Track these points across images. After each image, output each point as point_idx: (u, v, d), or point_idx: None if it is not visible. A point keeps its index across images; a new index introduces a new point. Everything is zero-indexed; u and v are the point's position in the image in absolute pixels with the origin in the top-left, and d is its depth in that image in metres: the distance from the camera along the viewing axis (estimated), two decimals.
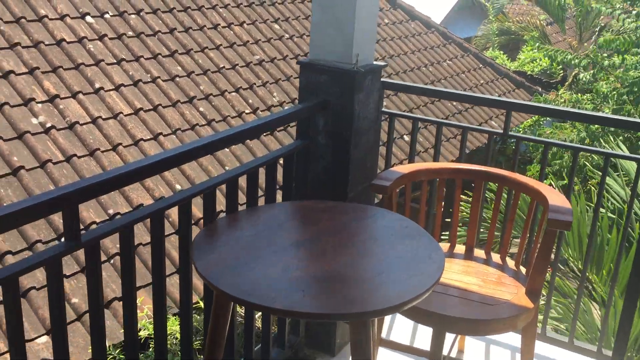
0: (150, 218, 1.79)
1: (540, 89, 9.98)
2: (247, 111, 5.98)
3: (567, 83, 11.17)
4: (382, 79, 2.63)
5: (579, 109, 8.64)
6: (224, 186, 2.05)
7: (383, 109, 2.73)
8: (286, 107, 6.37)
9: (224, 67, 6.27)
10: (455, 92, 2.78)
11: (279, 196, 2.43)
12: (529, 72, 11.62)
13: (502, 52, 13.35)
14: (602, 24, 14.25)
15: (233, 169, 2.07)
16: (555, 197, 2.24)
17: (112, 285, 4.00)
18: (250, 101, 6.11)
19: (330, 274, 1.63)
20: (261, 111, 6.09)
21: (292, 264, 1.69)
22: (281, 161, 2.36)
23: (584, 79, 8.32)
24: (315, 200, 2.40)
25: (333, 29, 2.35)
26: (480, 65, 9.72)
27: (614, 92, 7.76)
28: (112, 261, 4.14)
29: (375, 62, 2.50)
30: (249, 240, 1.82)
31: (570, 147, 2.51)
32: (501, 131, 2.61)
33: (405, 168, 2.46)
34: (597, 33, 14.28)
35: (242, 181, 2.22)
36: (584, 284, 2.72)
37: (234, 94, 6.10)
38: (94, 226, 4.21)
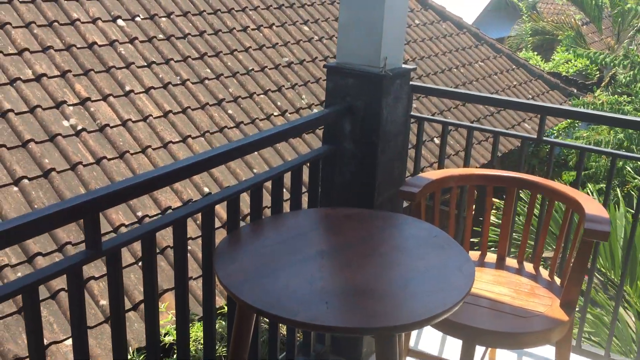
0: (172, 225, 1.77)
1: (575, 91, 9.75)
2: (275, 113, 5.97)
3: (603, 84, 10.89)
4: (411, 82, 2.57)
5: (619, 110, 8.41)
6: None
7: (412, 113, 2.67)
8: (315, 110, 6.33)
9: (252, 69, 6.27)
10: (487, 96, 2.70)
11: (305, 200, 2.38)
12: (563, 74, 11.37)
13: (535, 52, 13.09)
14: None
15: (258, 174, 2.04)
16: (592, 206, 2.14)
17: (139, 288, 4.01)
18: (278, 103, 6.09)
19: (356, 286, 1.58)
20: (289, 113, 6.07)
21: (316, 274, 1.64)
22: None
23: (624, 79, 8.09)
24: (341, 207, 2.35)
25: (360, 31, 2.30)
26: (514, 67, 9.55)
27: None
28: (140, 263, 4.15)
29: (404, 65, 2.44)
30: (272, 249, 1.77)
31: (607, 152, 2.41)
32: (535, 136, 2.52)
33: (434, 174, 2.40)
34: (634, 33, 13.93)
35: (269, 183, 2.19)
36: (621, 295, 2.62)
37: (262, 96, 6.09)
38: (122, 229, 4.23)
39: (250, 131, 5.63)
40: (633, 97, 8.35)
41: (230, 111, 5.70)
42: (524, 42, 13.83)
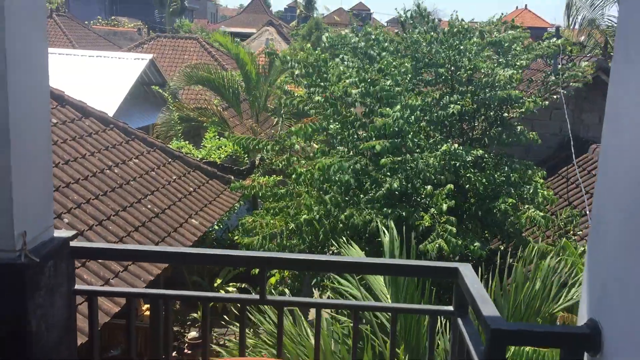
0: None
1: (232, 177, 9.74)
2: None
3: (256, 168, 11.24)
4: (71, 244, 1.68)
5: (273, 191, 8.53)
6: None
7: (76, 287, 1.77)
8: None
9: None
10: (191, 252, 1.97)
11: None
12: (217, 160, 11.42)
13: (187, 141, 12.95)
14: (272, 107, 15.08)
15: None
16: None
17: None
18: None
19: None
20: None
21: None
22: None
23: (280, 163, 8.36)
24: None
25: None
26: (170, 160, 9.08)
27: (308, 173, 7.89)
28: None
29: (57, 233, 1.56)
30: None
31: (350, 306, 1.91)
32: (257, 297, 1.89)
33: None
34: (270, 114, 15.09)
35: None
36: None
37: None
38: None
39: None
40: (287, 179, 8.66)
41: None
42: (174, 130, 13.65)
